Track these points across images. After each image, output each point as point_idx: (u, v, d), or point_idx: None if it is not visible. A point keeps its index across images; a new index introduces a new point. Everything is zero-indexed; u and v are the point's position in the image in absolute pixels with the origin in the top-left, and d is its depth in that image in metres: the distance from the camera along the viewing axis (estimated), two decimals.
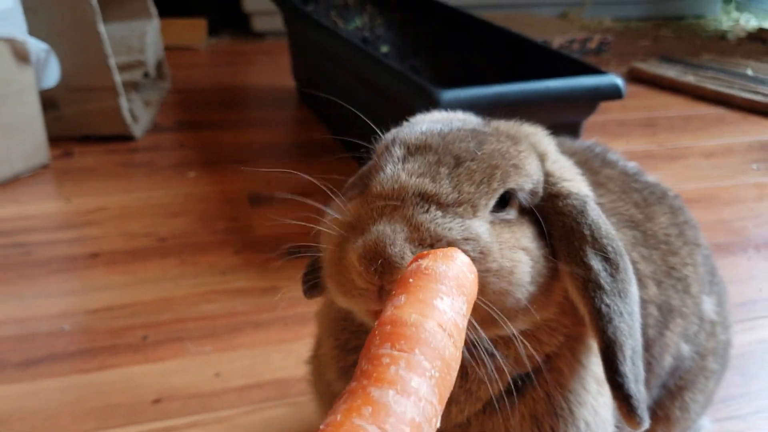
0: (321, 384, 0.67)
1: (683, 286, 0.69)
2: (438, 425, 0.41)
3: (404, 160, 0.56)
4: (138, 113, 1.93)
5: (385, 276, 0.50)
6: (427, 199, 0.52)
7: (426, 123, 0.60)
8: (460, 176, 0.54)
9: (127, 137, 1.87)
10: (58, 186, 1.63)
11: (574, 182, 0.59)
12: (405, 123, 0.65)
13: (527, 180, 0.56)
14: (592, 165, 0.75)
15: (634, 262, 0.65)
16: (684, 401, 0.72)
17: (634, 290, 0.57)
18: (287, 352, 1.10)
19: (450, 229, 0.51)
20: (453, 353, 0.44)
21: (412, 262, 0.49)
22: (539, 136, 0.63)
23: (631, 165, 0.81)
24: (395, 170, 0.55)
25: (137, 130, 1.89)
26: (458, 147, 0.56)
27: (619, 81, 1.29)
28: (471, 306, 0.47)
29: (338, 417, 0.41)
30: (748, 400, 1.04)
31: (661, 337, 0.66)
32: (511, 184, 0.55)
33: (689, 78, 2.47)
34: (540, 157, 0.59)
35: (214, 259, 1.34)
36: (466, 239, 0.51)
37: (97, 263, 1.32)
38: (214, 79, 2.46)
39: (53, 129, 1.77)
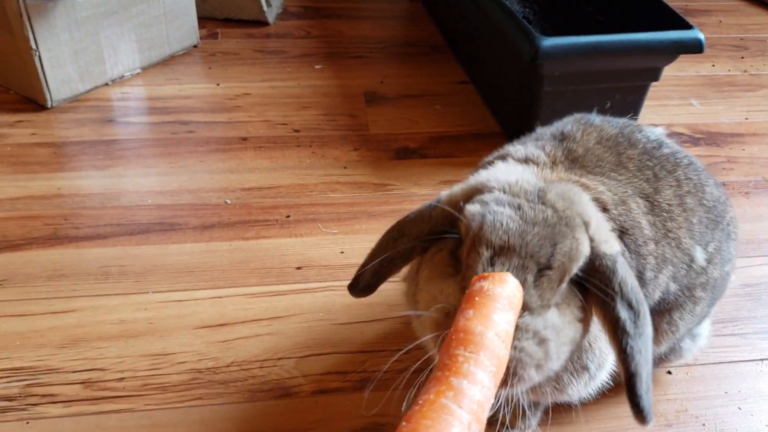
0: (412, 305, 0.90)
1: (676, 243, 0.92)
2: (493, 400, 0.65)
3: (492, 262, 0.72)
4: None
5: None
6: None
7: (502, 212, 0.75)
8: (543, 284, 0.72)
9: (261, 22, 2.13)
10: (206, 68, 1.93)
11: (609, 243, 0.79)
12: (479, 203, 0.79)
13: (582, 261, 0.76)
14: (618, 148, 0.95)
15: (642, 227, 0.88)
16: (672, 318, 0.98)
17: (649, 330, 0.78)
18: None
19: (536, 325, 0.72)
20: (504, 353, 0.66)
21: (474, 282, 0.69)
22: (583, 204, 0.79)
23: (653, 140, 0.99)
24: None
25: (270, 15, 2.14)
26: (537, 254, 0.72)
27: (701, 36, 1.46)
28: (518, 313, 0.71)
29: (431, 396, 0.59)
30: (752, 323, 1.30)
31: (655, 279, 0.90)
32: (573, 272, 0.75)
33: None
34: (585, 226, 0.77)
35: (337, 153, 1.64)
36: (546, 328, 0.73)
37: (246, 147, 1.65)
38: None
39: (200, 10, 2.04)
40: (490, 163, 0.97)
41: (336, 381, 1.13)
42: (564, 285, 0.75)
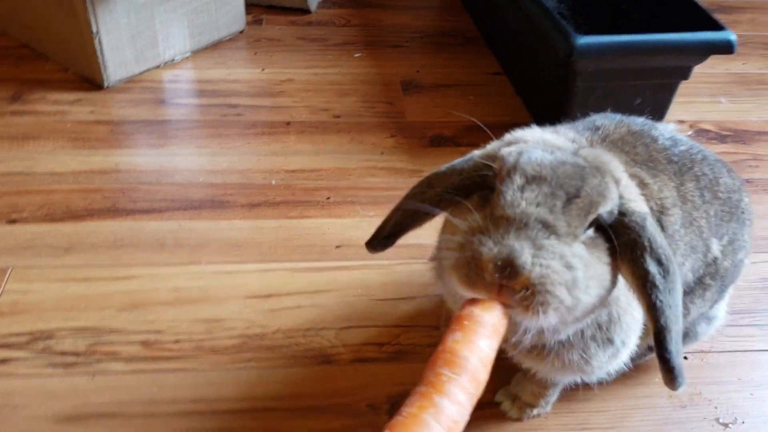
0: (440, 283, 0.94)
1: (698, 233, 0.96)
2: (467, 419, 0.67)
3: (523, 189, 0.73)
4: None
5: (510, 279, 0.69)
6: (547, 227, 0.71)
7: (537, 151, 0.78)
8: (571, 212, 0.73)
9: (303, 10, 2.22)
10: (252, 53, 2.03)
11: (637, 202, 0.80)
12: (515, 146, 0.82)
13: (610, 205, 0.76)
14: (644, 141, 0.99)
15: (676, 212, 0.92)
16: (684, 303, 1.02)
17: (679, 287, 0.77)
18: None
19: (563, 250, 0.71)
20: (484, 377, 0.68)
21: (464, 307, 0.71)
22: (614, 164, 0.82)
23: (668, 137, 1.03)
24: (516, 198, 0.73)
25: (312, 3, 2.23)
26: (567, 184, 0.74)
27: (732, 37, 1.52)
28: (500, 339, 0.72)
29: (414, 410, 0.64)
30: None
31: (682, 266, 0.94)
32: (600, 211, 0.75)
33: None
34: (615, 182, 0.79)
35: (375, 140, 1.73)
36: (574, 256, 0.72)
37: (290, 131, 1.74)
38: None
39: None
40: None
41: (373, 351, 1.22)
42: (591, 218, 0.74)
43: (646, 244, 0.76)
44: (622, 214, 0.78)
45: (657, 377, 1.19)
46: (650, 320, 0.76)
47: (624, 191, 0.80)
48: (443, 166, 0.89)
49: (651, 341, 0.79)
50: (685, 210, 0.97)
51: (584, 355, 0.91)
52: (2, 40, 1.97)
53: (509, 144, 0.85)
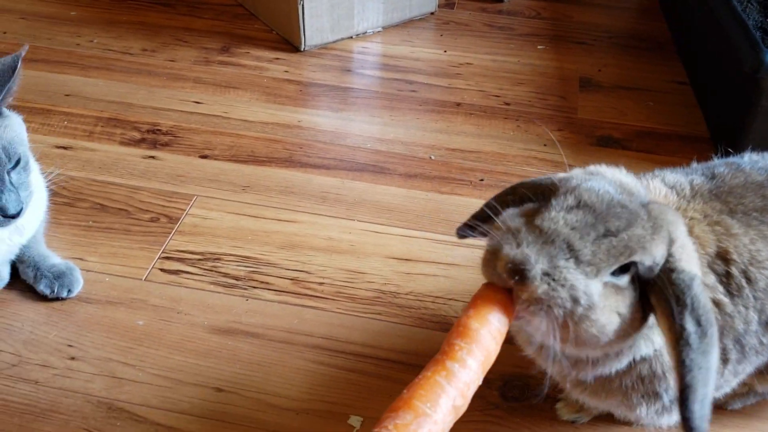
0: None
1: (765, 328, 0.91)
2: (479, 384, 0.74)
3: (569, 210, 0.76)
4: None
5: (518, 284, 0.73)
6: (570, 249, 0.74)
7: (603, 184, 0.79)
8: (601, 246, 0.74)
9: None
10: (438, 34, 2.12)
11: (689, 263, 0.79)
12: (588, 171, 0.85)
13: (648, 259, 0.76)
14: (763, 192, 0.94)
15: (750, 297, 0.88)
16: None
17: (715, 353, 0.76)
18: None
19: (576, 280, 0.73)
20: (494, 348, 0.75)
21: (481, 288, 0.78)
22: (676, 225, 0.81)
23: (748, 164, 0.99)
24: (558, 216, 0.76)
25: None
26: (611, 222, 0.75)
27: None
28: (511, 318, 0.77)
29: (429, 374, 0.72)
30: None
31: (734, 366, 0.91)
32: (634, 259, 0.75)
33: None
34: (670, 242, 0.79)
35: (540, 131, 1.76)
36: (584, 293, 0.73)
37: (458, 111, 1.82)
38: None
39: None
40: (644, 178, 1.00)
41: None
42: (622, 260, 0.75)
43: (688, 302, 0.76)
44: (670, 270, 0.78)
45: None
46: (677, 376, 0.76)
47: (677, 251, 0.79)
48: (532, 178, 0.93)
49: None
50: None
51: (626, 403, 0.93)
52: None
53: (588, 173, 0.86)
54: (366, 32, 2.08)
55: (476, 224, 0.90)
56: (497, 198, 0.91)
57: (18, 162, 1.14)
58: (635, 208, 0.78)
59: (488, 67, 1.99)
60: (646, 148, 1.73)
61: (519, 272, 0.73)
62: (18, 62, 1.14)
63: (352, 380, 1.19)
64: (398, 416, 0.68)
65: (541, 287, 0.73)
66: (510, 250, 0.74)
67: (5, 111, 1.17)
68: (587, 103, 1.86)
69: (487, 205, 0.90)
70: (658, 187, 0.97)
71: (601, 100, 1.87)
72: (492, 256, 0.77)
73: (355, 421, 1.13)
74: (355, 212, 1.50)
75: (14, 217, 1.13)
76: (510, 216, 0.80)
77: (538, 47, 2.08)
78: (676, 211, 0.91)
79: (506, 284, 0.75)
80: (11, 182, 1.12)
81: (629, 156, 1.70)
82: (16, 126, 1.17)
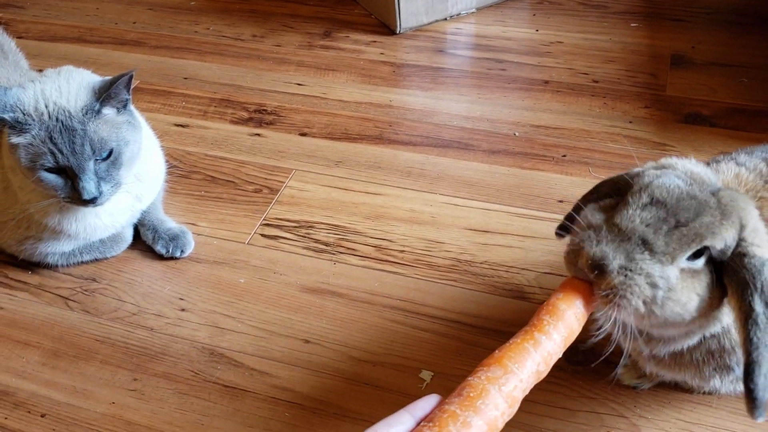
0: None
1: None
2: (559, 357, 0.81)
3: (643, 208, 0.82)
4: None
5: (598, 278, 0.80)
6: (645, 244, 0.80)
7: (673, 178, 0.85)
8: (673, 236, 0.80)
9: None
10: (531, 14, 2.16)
11: (762, 247, 0.82)
12: (662, 170, 0.88)
13: (719, 242, 0.81)
14: None
15: None
16: None
17: None
18: None
19: (651, 268, 0.79)
20: (576, 327, 0.83)
21: (568, 279, 0.85)
22: (747, 210, 0.84)
23: None
24: (634, 214, 0.82)
25: None
26: (681, 214, 0.81)
27: None
28: (593, 307, 0.84)
29: (518, 340, 0.79)
30: None
31: None
32: (705, 244, 0.80)
33: None
34: (741, 227, 0.82)
35: (627, 108, 1.78)
36: (661, 277, 0.79)
37: (546, 89, 1.86)
38: None
39: None
40: (717, 161, 1.05)
41: None
42: (695, 246, 0.80)
43: (758, 285, 0.80)
44: (743, 255, 0.82)
45: None
46: (743, 352, 0.81)
47: (749, 235, 0.83)
48: (614, 176, 0.98)
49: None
50: None
51: (699, 375, 0.98)
52: None
53: (660, 167, 0.91)
54: (460, 14, 2.15)
55: (567, 224, 0.97)
56: (583, 198, 0.99)
57: (110, 155, 1.25)
58: (704, 198, 0.83)
59: (579, 45, 2.01)
60: (736, 125, 1.71)
61: (599, 267, 0.80)
62: (129, 78, 1.26)
63: (425, 339, 1.30)
64: (490, 370, 0.78)
65: (617, 278, 0.81)
66: (590, 248, 0.81)
67: (128, 109, 1.30)
68: (677, 81, 1.85)
69: (574, 206, 0.98)
70: (731, 168, 1.01)
71: (692, 78, 1.86)
72: (574, 254, 0.85)
73: (426, 375, 1.24)
74: (438, 186, 1.60)
75: (89, 202, 1.24)
76: (590, 212, 0.87)
77: (632, 25, 2.07)
78: (747, 192, 0.95)
79: (588, 278, 0.83)
80: (95, 172, 1.24)
81: (717, 133, 1.69)
82: (123, 125, 1.27)
